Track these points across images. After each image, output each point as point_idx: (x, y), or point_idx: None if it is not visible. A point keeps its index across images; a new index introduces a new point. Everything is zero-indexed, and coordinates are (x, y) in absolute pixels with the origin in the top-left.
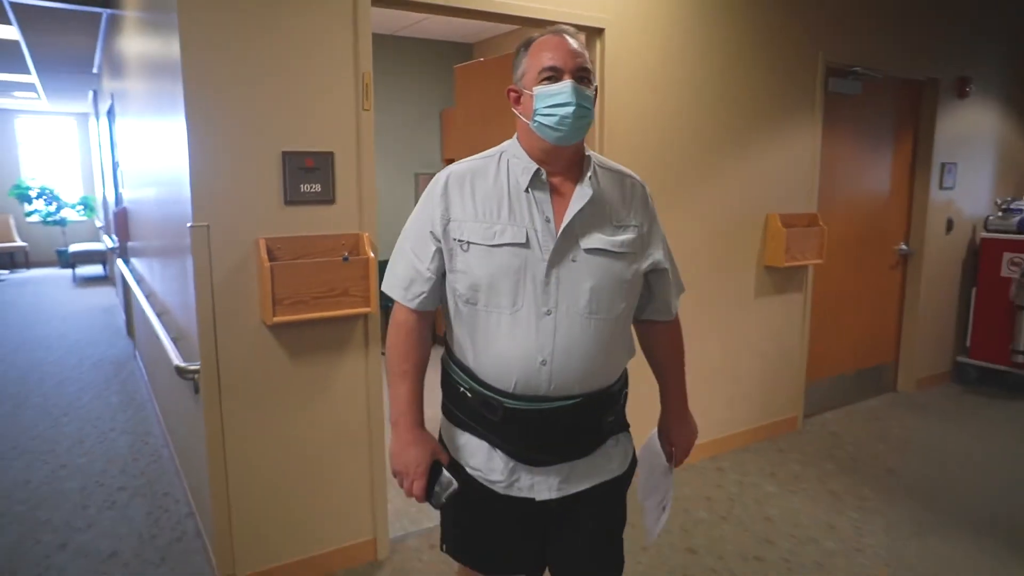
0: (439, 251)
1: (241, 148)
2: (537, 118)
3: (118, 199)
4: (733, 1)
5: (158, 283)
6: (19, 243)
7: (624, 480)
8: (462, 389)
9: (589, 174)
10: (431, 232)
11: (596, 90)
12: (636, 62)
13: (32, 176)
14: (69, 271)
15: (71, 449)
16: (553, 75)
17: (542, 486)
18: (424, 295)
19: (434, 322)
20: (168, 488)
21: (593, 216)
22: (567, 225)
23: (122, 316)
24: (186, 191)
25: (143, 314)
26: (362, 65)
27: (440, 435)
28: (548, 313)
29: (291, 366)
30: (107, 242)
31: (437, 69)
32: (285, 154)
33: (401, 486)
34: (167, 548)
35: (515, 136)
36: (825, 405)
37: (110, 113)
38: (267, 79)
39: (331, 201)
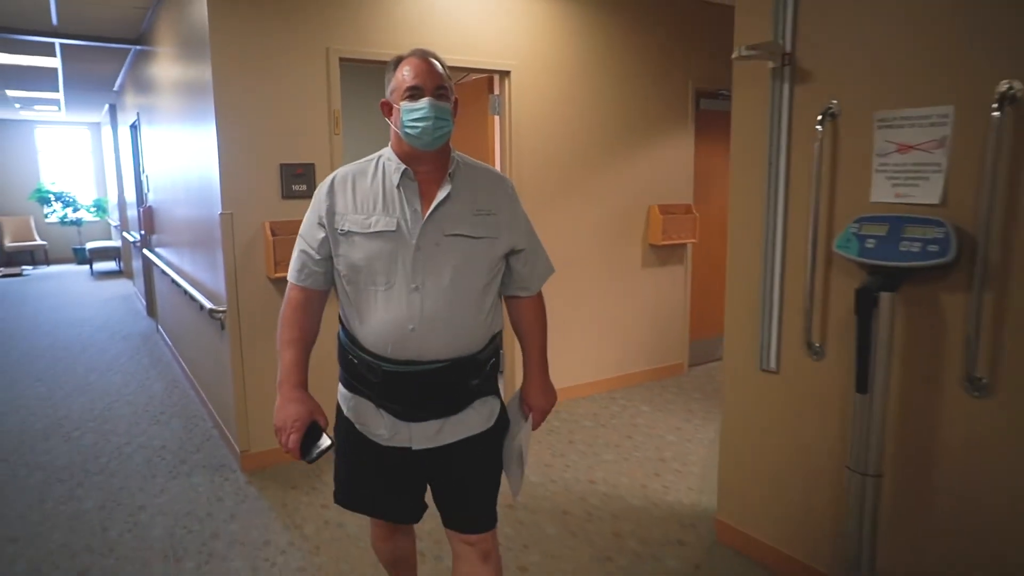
0: (326, 238)
1: (254, 159)
2: (403, 128)
3: (143, 199)
4: (616, 44)
5: (186, 259)
6: (39, 242)
7: (491, 435)
8: (350, 357)
9: (451, 171)
10: (319, 223)
11: (456, 102)
12: (537, 95)
13: (52, 181)
14: (85, 267)
15: (119, 391)
16: (415, 93)
17: (419, 437)
18: (314, 274)
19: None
20: (196, 413)
21: (454, 206)
22: (431, 214)
23: (142, 301)
24: (216, 188)
25: (168, 288)
26: (333, 103)
27: (337, 401)
28: (416, 289)
29: None
30: (128, 237)
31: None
32: (282, 165)
33: (279, 442)
34: (200, 443)
35: (390, 142)
36: (712, 357)
37: (134, 126)
38: (271, 110)
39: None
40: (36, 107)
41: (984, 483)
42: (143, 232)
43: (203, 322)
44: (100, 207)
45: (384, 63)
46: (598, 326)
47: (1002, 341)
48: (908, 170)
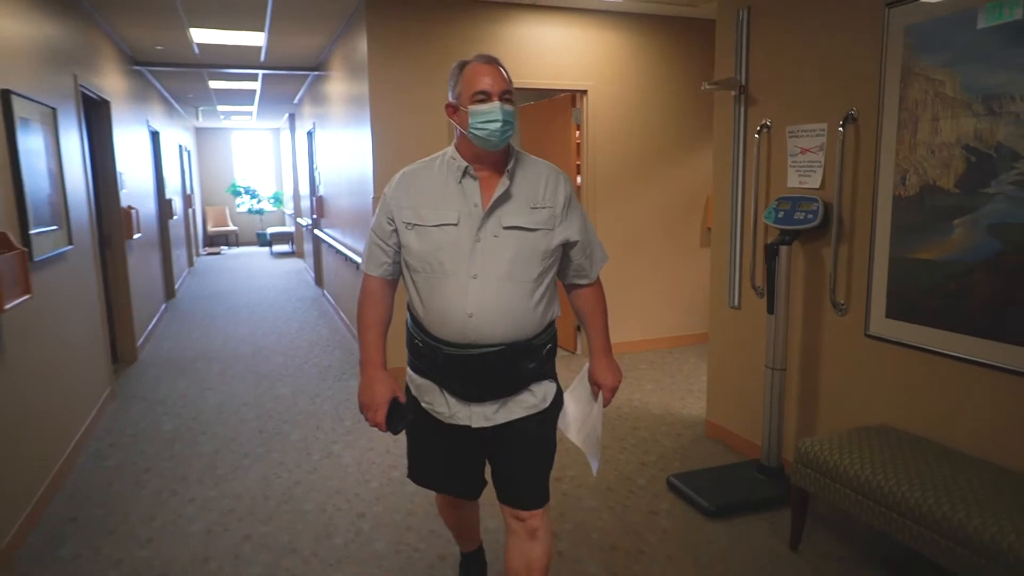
0: (394, 232)
1: (398, 154)
2: (472, 130)
3: (315, 190)
4: (675, 63)
5: (348, 235)
6: (232, 227)
7: (545, 415)
8: (416, 340)
9: (509, 167)
10: (388, 218)
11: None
12: (609, 107)
13: (242, 177)
14: (266, 248)
15: (298, 332)
16: (484, 97)
17: (478, 417)
18: (384, 264)
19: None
20: (351, 348)
21: (512, 201)
22: (490, 208)
23: (311, 274)
24: (370, 178)
25: (333, 259)
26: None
27: (406, 381)
28: (475, 277)
29: None
30: (301, 222)
31: None
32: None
33: (366, 418)
34: (354, 365)
35: (453, 142)
36: None
37: (310, 132)
38: (411, 117)
39: None
40: (234, 117)
41: (844, 371)
42: (315, 216)
43: (359, 280)
44: (277, 199)
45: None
46: (661, 294)
47: (851, 278)
48: (806, 165)
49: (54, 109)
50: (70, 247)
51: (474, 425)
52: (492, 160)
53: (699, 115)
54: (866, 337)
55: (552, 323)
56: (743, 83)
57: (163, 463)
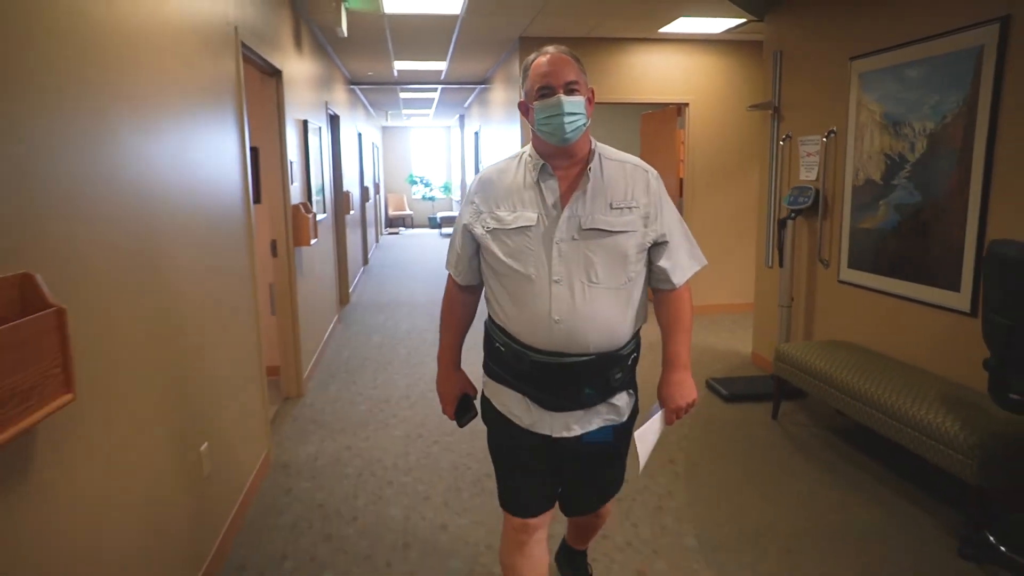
0: (472, 238)
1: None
2: (538, 126)
3: None
4: (754, 83)
5: None
6: (408, 212)
7: (626, 428)
8: (497, 344)
9: (591, 165)
10: (465, 223)
11: (592, 92)
12: (708, 116)
13: (418, 169)
14: (436, 230)
15: None
16: (546, 92)
17: (559, 426)
18: (464, 267)
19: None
20: None
21: (592, 201)
22: (567, 209)
23: None
24: None
25: None
26: None
27: (483, 387)
28: (558, 281)
29: None
30: None
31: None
32: None
33: (442, 408)
34: None
35: (531, 140)
36: None
37: (476, 133)
38: None
39: None
40: (413, 118)
41: (826, 306)
42: None
43: None
44: (447, 187)
45: (611, 105)
46: (741, 269)
47: (831, 242)
48: (809, 164)
49: (319, 127)
50: (325, 215)
51: (554, 434)
52: (570, 157)
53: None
54: (838, 283)
55: (638, 331)
56: (777, 105)
57: (375, 355)
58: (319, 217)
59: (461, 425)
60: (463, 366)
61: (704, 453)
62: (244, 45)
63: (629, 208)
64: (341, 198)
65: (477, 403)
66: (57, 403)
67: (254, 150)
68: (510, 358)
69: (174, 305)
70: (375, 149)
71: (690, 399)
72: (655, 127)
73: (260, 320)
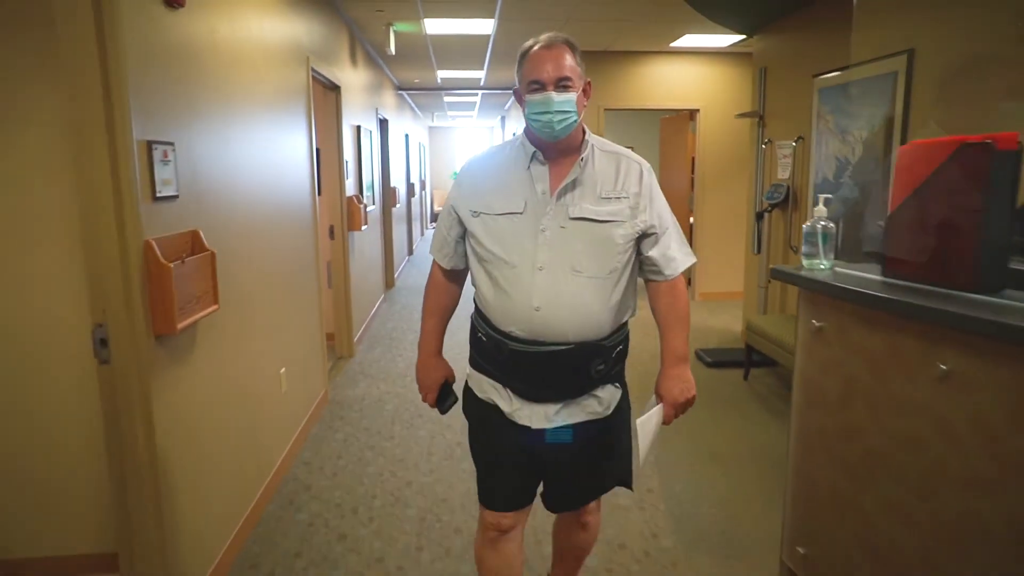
0: (458, 220)
1: None
2: (528, 120)
3: None
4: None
5: None
6: None
7: (608, 422)
8: (479, 334)
9: (583, 156)
10: (452, 207)
11: (588, 84)
12: (717, 120)
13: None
14: None
15: None
16: (537, 87)
17: (538, 417)
18: (449, 255)
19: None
20: None
21: (581, 190)
22: (556, 197)
23: None
24: None
25: None
26: (600, 127)
27: (466, 378)
28: (541, 269)
29: None
30: None
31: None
32: None
33: (421, 395)
34: None
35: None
36: None
37: (515, 134)
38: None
39: None
40: (458, 119)
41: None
42: None
43: None
44: None
45: (627, 111)
46: (743, 259)
47: (798, 230)
48: (784, 165)
49: (370, 130)
50: (375, 206)
51: (534, 426)
52: (562, 148)
53: (755, 130)
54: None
55: (625, 323)
56: (762, 114)
57: (415, 327)
58: (369, 208)
59: (442, 412)
60: (445, 355)
61: None
62: (313, 69)
63: (618, 198)
64: (388, 193)
65: (458, 389)
66: (210, 309)
67: (317, 151)
68: (491, 347)
69: (275, 260)
70: (421, 148)
71: (689, 395)
72: (672, 130)
73: (321, 290)
